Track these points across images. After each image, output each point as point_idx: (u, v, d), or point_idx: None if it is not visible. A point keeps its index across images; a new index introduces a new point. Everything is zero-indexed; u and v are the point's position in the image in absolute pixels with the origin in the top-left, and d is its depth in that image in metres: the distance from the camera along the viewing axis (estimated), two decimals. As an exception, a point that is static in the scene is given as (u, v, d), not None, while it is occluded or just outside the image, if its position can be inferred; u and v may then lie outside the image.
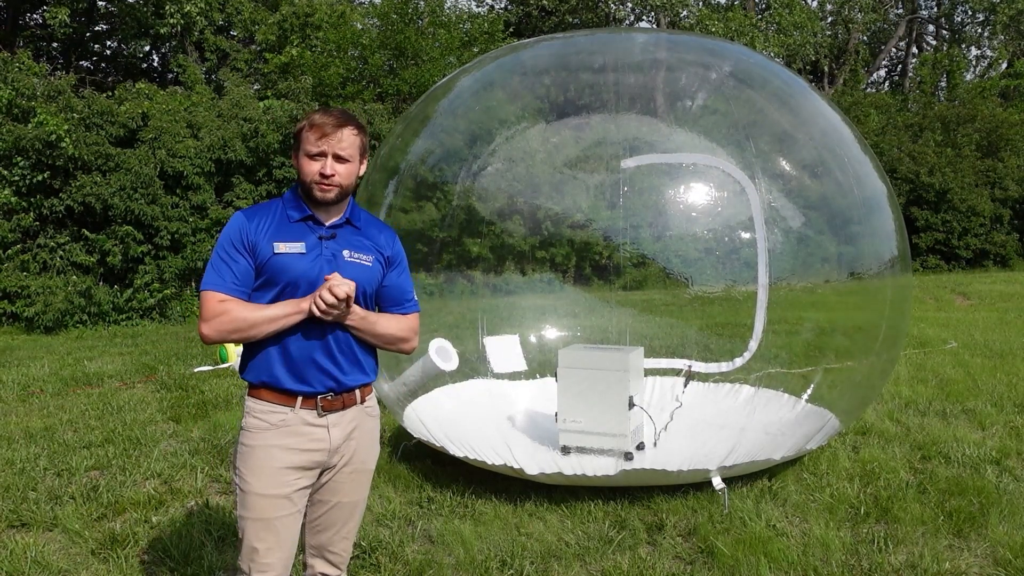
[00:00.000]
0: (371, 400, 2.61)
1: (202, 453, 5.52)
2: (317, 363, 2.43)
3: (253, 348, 2.44)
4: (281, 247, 2.40)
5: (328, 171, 2.39)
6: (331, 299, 2.32)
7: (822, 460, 5.14)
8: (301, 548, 2.64)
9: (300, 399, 2.43)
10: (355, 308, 2.41)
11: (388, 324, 2.54)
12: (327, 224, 2.48)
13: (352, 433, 2.52)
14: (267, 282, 2.41)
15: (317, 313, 2.35)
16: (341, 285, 2.33)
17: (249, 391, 2.48)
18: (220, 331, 2.36)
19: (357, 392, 2.53)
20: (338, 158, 2.41)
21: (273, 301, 2.41)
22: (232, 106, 15.72)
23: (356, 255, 2.48)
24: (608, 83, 6.05)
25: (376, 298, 2.59)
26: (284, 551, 2.45)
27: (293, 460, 2.43)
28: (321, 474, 2.53)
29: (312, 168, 2.40)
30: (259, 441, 2.43)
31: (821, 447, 5.21)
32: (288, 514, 2.44)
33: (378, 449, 2.67)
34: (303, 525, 2.59)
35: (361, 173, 2.52)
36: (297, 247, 2.41)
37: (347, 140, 2.41)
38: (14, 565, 3.75)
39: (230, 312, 2.36)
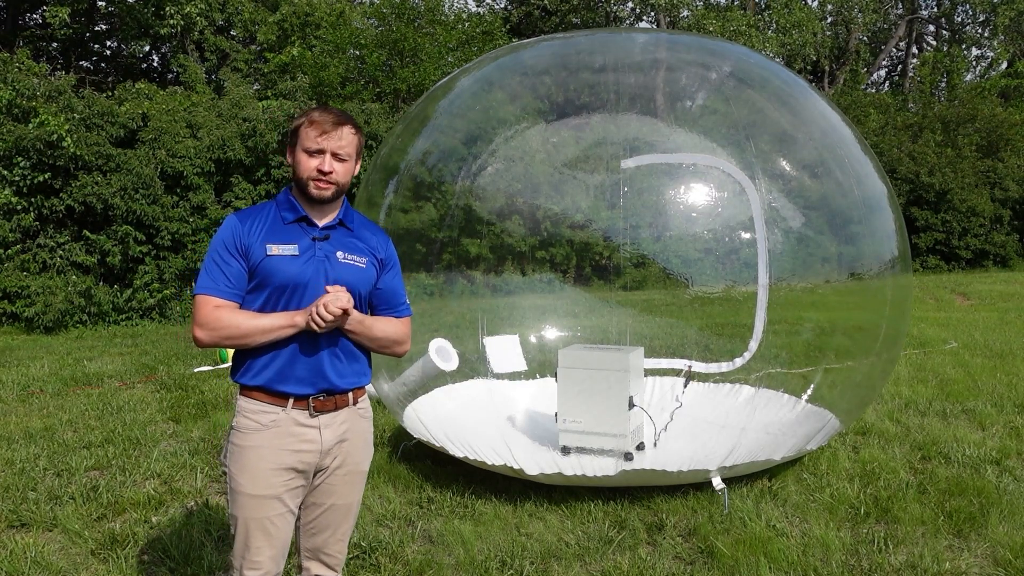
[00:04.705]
0: (364, 402, 2.60)
1: (202, 453, 5.51)
2: (310, 366, 2.43)
3: (245, 351, 2.44)
4: (274, 249, 2.39)
5: (327, 168, 2.38)
6: (329, 316, 2.32)
7: (822, 460, 5.14)
8: (297, 550, 2.65)
9: (292, 400, 2.43)
10: (353, 313, 2.40)
11: (384, 327, 2.54)
12: (321, 225, 2.47)
13: (344, 435, 2.52)
14: (259, 285, 2.41)
15: (316, 329, 2.35)
16: (336, 301, 2.33)
17: (241, 390, 2.48)
18: (213, 337, 2.37)
19: (350, 394, 2.52)
20: (336, 156, 2.40)
21: (264, 304, 2.41)
22: (232, 106, 15.72)
23: (350, 256, 2.47)
24: (608, 83, 6.04)
25: (369, 300, 2.58)
26: (275, 550, 2.45)
27: (284, 461, 2.42)
28: (314, 476, 2.52)
29: (310, 164, 2.39)
30: (250, 442, 2.42)
31: (821, 447, 5.21)
32: (278, 514, 2.44)
33: (371, 451, 2.66)
34: (298, 528, 2.59)
35: (355, 173, 2.52)
36: (290, 249, 2.40)
37: (346, 139, 2.41)
38: (14, 565, 3.75)
39: (223, 319, 2.35)
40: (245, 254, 2.40)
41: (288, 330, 2.37)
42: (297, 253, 2.41)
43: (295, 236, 2.43)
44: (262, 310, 2.41)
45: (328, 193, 2.42)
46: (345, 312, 2.35)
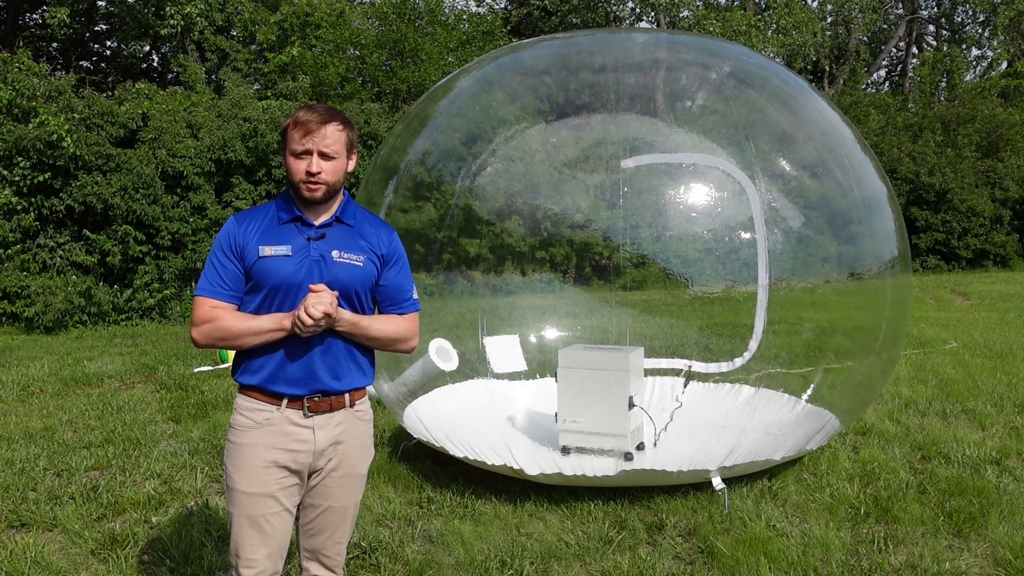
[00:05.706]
0: (363, 404, 2.58)
1: (202, 453, 5.51)
2: (302, 367, 2.42)
3: (243, 350, 2.45)
4: (267, 250, 2.39)
5: (314, 169, 2.37)
6: (309, 320, 2.31)
7: (822, 460, 5.14)
8: (297, 550, 2.65)
9: (286, 400, 2.43)
10: (343, 314, 2.39)
11: (382, 326, 2.51)
12: (317, 224, 2.45)
13: (340, 436, 2.50)
14: (255, 286, 2.41)
15: (300, 333, 2.34)
16: (317, 304, 2.31)
17: (240, 389, 2.49)
18: (208, 338, 2.39)
19: (347, 396, 2.51)
20: (323, 155, 2.39)
21: (260, 305, 2.41)
22: (232, 106, 15.72)
23: (346, 255, 2.45)
24: (608, 83, 6.04)
25: (374, 297, 2.57)
26: (270, 548, 2.45)
27: (277, 459, 2.43)
28: (309, 477, 2.51)
29: (299, 167, 2.39)
30: (244, 439, 2.43)
31: (821, 447, 5.21)
32: (273, 512, 2.43)
33: (371, 453, 2.64)
34: (297, 528, 2.59)
35: (350, 169, 2.49)
36: (283, 250, 2.40)
37: (332, 137, 2.38)
38: (14, 565, 3.75)
39: (217, 320, 2.38)
40: (240, 256, 2.41)
41: (277, 334, 2.38)
42: (290, 254, 2.40)
43: (289, 237, 2.43)
44: (258, 311, 2.42)
45: (319, 193, 2.40)
46: (328, 315, 2.33)
